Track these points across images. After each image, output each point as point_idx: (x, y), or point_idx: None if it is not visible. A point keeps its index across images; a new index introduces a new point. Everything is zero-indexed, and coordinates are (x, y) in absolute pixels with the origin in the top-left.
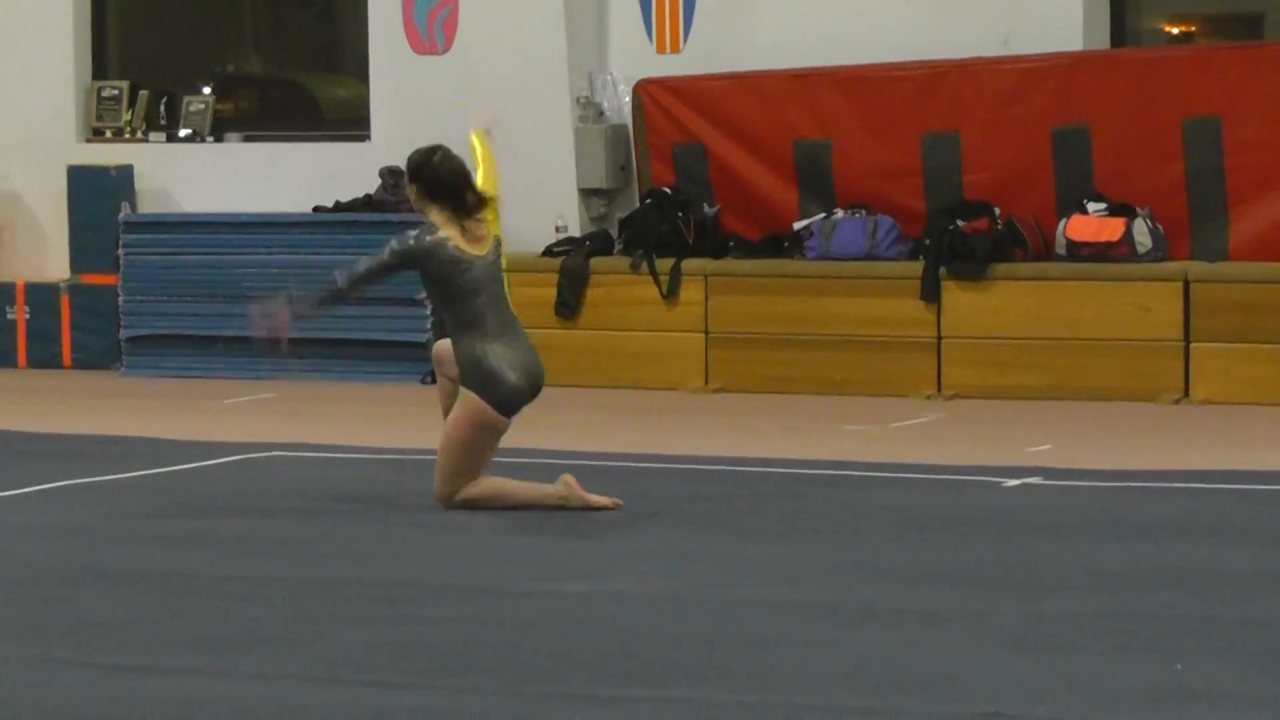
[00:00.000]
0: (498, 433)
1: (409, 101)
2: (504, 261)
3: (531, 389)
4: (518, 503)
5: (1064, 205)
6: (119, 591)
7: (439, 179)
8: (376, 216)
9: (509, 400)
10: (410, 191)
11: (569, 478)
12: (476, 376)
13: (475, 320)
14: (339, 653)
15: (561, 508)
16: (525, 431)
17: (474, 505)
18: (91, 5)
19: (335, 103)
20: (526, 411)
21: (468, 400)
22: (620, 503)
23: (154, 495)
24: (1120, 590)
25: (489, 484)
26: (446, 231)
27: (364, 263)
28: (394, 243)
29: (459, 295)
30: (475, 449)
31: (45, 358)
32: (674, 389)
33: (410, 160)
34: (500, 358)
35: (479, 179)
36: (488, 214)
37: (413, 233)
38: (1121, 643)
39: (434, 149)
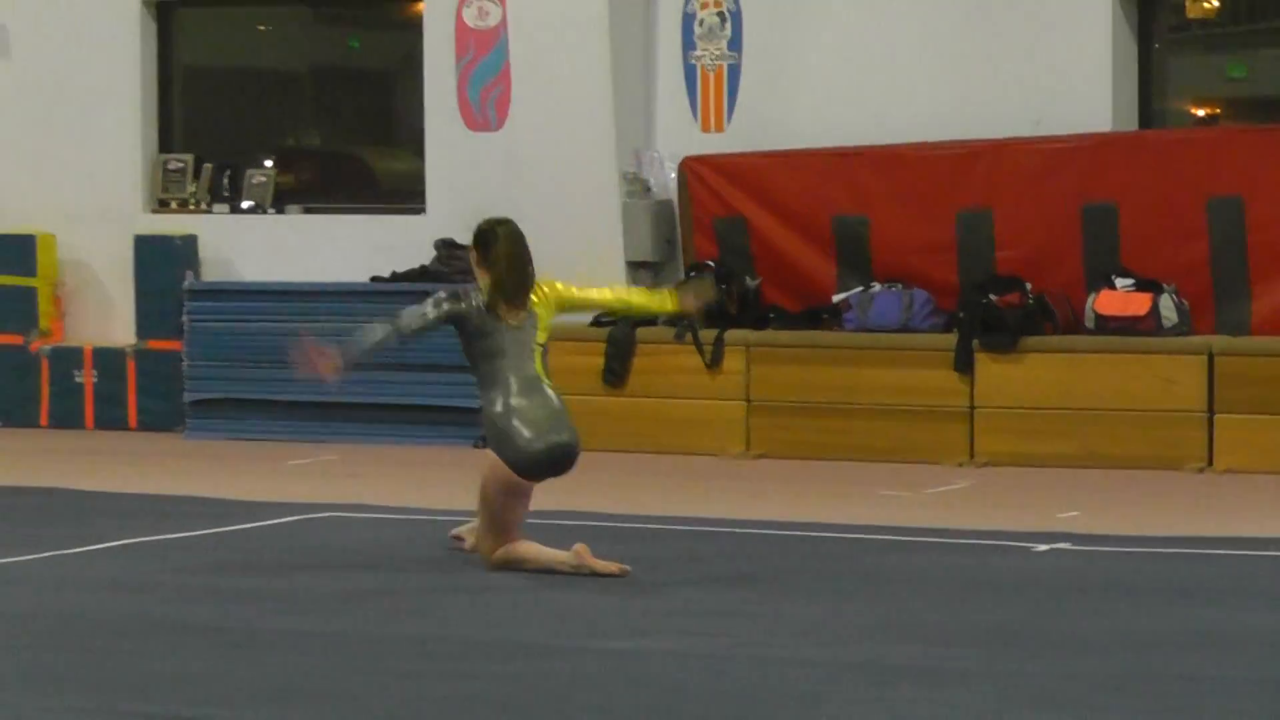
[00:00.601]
0: (518, 492)
1: (463, 176)
2: (542, 336)
3: (550, 455)
4: (538, 566)
5: (1092, 280)
6: (182, 644)
7: (496, 249)
8: (431, 286)
9: (523, 461)
10: (470, 254)
11: (581, 547)
12: (493, 435)
13: (497, 381)
14: (392, 705)
15: (576, 573)
16: (573, 494)
17: (506, 565)
18: (158, 81)
19: (392, 176)
20: (576, 472)
21: (488, 457)
22: (628, 569)
23: (216, 552)
24: (1146, 651)
25: (516, 547)
26: (488, 298)
27: (406, 318)
28: (435, 303)
29: (484, 356)
30: (496, 505)
31: (112, 420)
32: (717, 455)
33: (478, 225)
34: (518, 420)
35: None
36: (536, 304)
37: (446, 295)
38: (1147, 702)
39: (502, 220)
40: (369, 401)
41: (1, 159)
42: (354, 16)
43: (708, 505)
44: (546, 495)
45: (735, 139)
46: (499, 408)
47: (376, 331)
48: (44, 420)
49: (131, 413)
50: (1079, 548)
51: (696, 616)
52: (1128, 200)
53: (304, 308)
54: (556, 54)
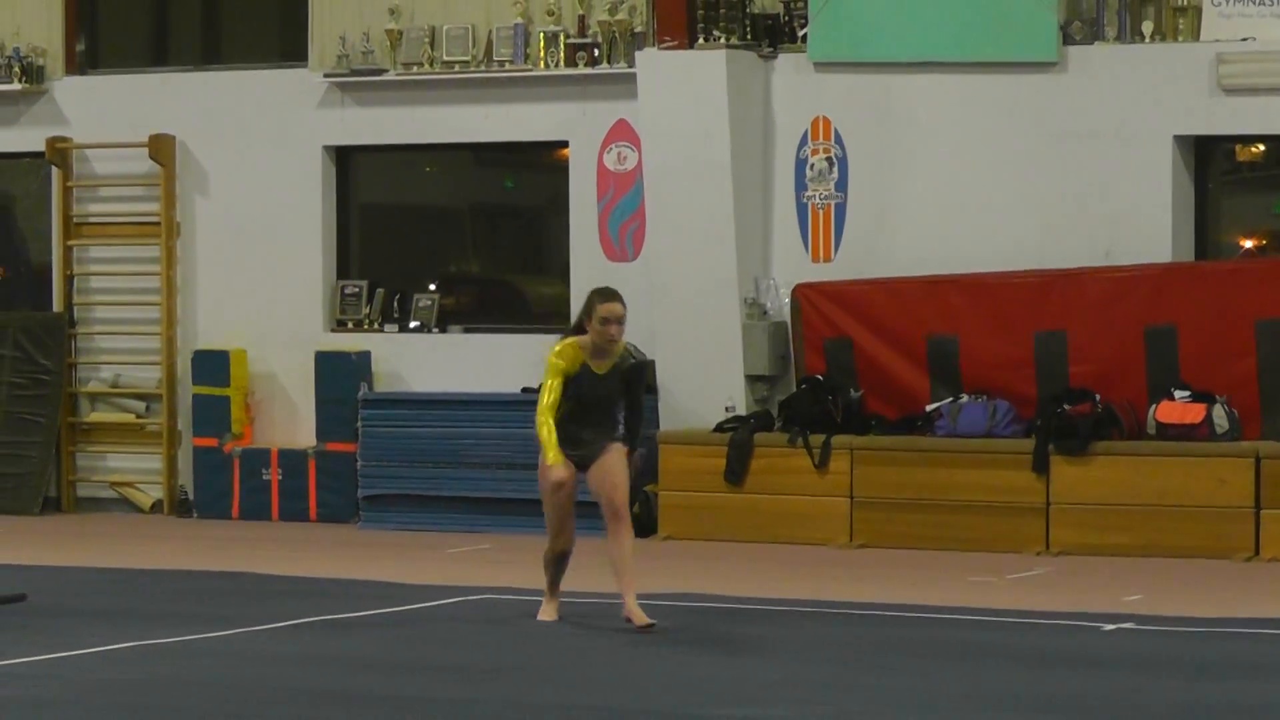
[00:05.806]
0: (554, 485)
1: None
2: (619, 382)
3: (568, 463)
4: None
5: (1154, 392)
6: (356, 712)
7: (584, 306)
8: None
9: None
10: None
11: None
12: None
13: (568, 410)
14: None
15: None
16: (697, 579)
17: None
18: (337, 217)
19: (541, 300)
20: (700, 560)
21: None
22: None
23: (386, 630)
24: (1203, 719)
25: (551, 586)
26: (582, 344)
27: (544, 400)
28: (548, 390)
29: (569, 390)
30: (545, 498)
31: (295, 512)
32: (824, 545)
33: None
34: (563, 431)
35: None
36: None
37: (556, 349)
38: None
39: (600, 289)
40: (516, 498)
41: (202, 284)
42: (509, 160)
43: (817, 589)
44: (674, 577)
45: (842, 268)
46: (561, 425)
47: (541, 430)
48: (235, 513)
49: (312, 506)
50: (1142, 627)
51: (807, 687)
52: (1185, 322)
53: (464, 415)
54: (686, 194)
